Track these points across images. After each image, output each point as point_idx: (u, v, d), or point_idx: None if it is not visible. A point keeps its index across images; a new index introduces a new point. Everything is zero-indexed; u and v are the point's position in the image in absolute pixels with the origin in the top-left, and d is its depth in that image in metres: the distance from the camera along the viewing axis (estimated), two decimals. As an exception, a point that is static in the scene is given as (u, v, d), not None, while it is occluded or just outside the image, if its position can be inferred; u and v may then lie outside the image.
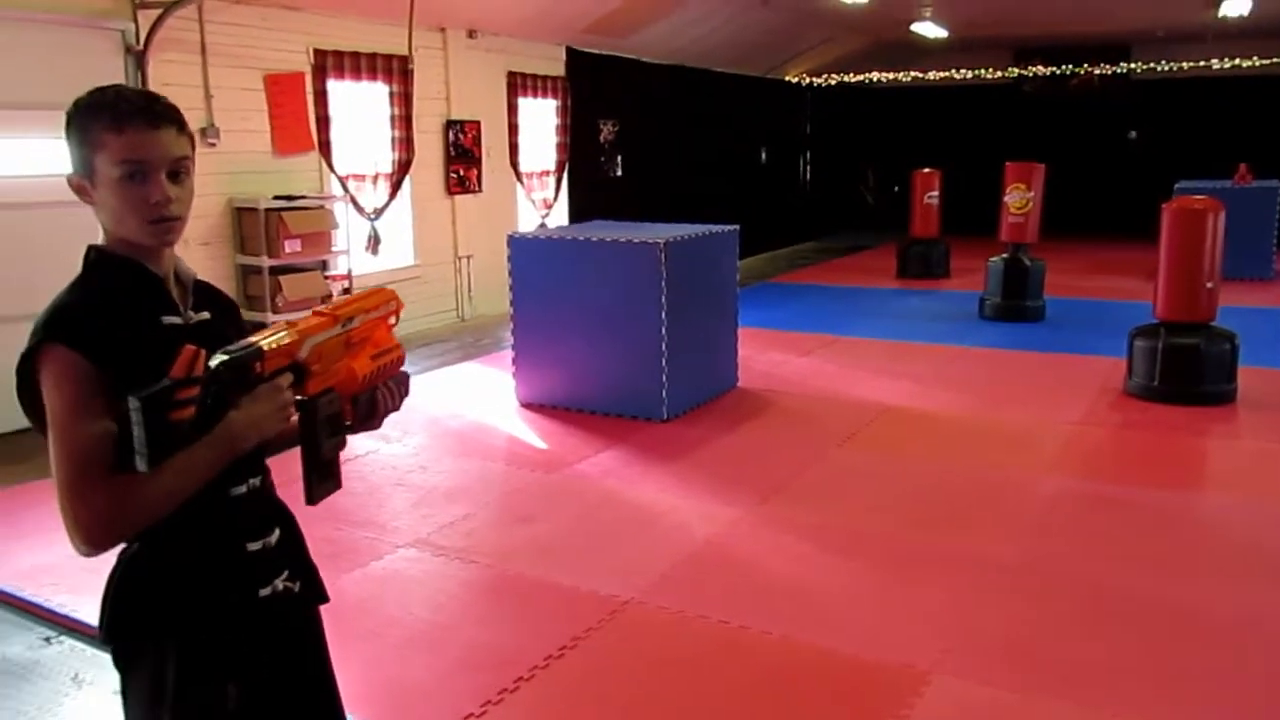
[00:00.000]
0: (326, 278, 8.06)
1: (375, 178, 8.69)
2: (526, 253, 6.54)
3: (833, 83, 16.24)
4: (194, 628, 1.62)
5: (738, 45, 13.31)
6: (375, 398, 1.73)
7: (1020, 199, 9.54)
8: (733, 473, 5.35)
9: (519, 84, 10.31)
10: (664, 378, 6.18)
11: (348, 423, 1.70)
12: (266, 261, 7.46)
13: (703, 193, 13.39)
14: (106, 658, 1.69)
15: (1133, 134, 16.95)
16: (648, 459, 5.60)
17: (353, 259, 8.30)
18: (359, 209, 8.53)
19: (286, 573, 1.76)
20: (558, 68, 10.89)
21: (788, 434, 6.09)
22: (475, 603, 3.98)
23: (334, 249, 8.12)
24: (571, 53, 11.00)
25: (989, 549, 4.34)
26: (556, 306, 6.41)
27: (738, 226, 7.00)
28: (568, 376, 6.44)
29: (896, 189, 17.90)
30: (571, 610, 3.80)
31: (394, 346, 1.75)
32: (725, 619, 3.72)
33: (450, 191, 9.65)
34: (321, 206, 7.97)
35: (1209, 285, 6.57)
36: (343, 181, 8.36)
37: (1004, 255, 9.64)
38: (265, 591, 1.71)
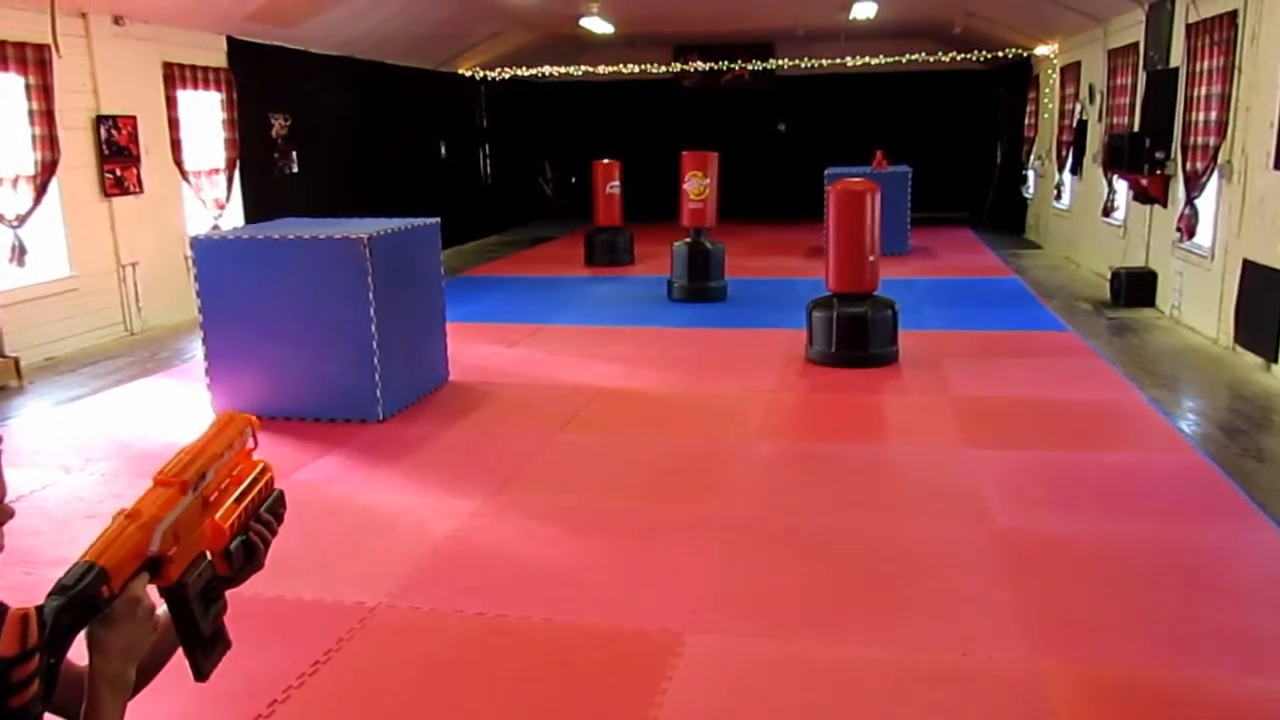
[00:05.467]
0: (-36, 294, 7.07)
1: (15, 180, 7.69)
2: (215, 256, 6.07)
3: (506, 76, 16.35)
4: None
5: (409, 36, 13.06)
6: (250, 540, 1.46)
7: (698, 186, 10.11)
8: (461, 466, 5.29)
9: (177, 75, 9.51)
10: (377, 376, 5.98)
11: (226, 577, 1.43)
12: (-114, 279, 6.42)
13: (384, 188, 13.04)
14: None
15: (781, 126, 18.44)
16: (370, 461, 5.41)
17: (-5, 272, 7.33)
18: (-2, 216, 7.53)
19: None
20: (219, 58, 10.15)
21: (509, 423, 6.11)
22: (209, 631, 3.67)
23: (-29, 261, 7.13)
24: (234, 42, 10.29)
25: (721, 512, 4.61)
26: (254, 310, 6.00)
27: (439, 219, 6.90)
28: (272, 383, 6.05)
29: (574, 180, 18.36)
30: (319, 624, 3.62)
31: (260, 472, 1.49)
32: (481, 610, 3.70)
33: (107, 193, 8.73)
34: (-49, 213, 6.96)
35: (871, 258, 7.33)
36: (-26, 185, 7.34)
37: (687, 240, 10.18)
38: None
